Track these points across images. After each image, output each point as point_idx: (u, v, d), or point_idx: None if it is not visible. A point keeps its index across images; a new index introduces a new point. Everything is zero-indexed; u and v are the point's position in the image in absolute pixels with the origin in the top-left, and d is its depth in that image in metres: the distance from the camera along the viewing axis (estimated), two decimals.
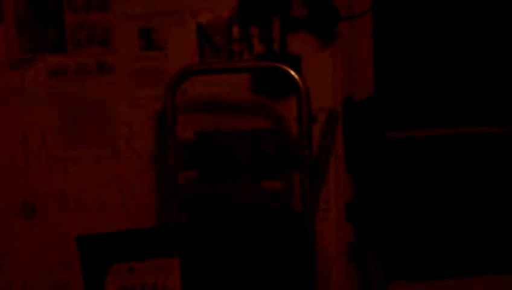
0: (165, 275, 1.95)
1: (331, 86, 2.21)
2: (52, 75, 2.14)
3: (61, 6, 2.12)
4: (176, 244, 2.04)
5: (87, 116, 2.17)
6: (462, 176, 2.51)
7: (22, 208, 2.17)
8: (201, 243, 2.10)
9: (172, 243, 2.04)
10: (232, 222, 2.12)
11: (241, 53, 2.17)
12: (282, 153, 2.12)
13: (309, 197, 2.03)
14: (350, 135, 2.26)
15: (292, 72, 2.03)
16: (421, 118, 2.48)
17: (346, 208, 2.26)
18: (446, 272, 2.53)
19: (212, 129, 2.15)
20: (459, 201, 2.52)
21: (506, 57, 2.46)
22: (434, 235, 2.53)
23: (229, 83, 2.17)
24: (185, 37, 2.16)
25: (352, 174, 2.29)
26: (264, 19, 2.17)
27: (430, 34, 2.46)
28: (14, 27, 2.12)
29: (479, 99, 2.49)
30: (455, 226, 2.53)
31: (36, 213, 2.18)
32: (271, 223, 2.13)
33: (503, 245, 2.53)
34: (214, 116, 2.17)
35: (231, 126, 2.15)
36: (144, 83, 2.17)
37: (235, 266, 2.11)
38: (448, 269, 2.54)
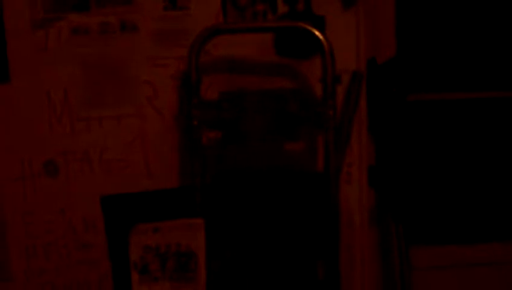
0: (189, 235, 1.96)
1: (354, 47, 2.20)
2: (75, 34, 2.14)
3: None
4: (201, 205, 2.04)
5: (109, 75, 2.16)
6: (484, 141, 2.50)
7: (45, 168, 2.18)
8: (225, 204, 2.10)
9: (197, 203, 2.04)
10: (256, 184, 2.12)
11: (265, 13, 2.16)
12: (306, 113, 2.10)
13: (333, 159, 2.03)
14: (373, 97, 2.25)
15: (316, 32, 2.02)
16: (443, 81, 2.47)
17: (368, 171, 2.25)
18: (466, 237, 2.53)
19: (236, 89, 2.13)
20: (479, 166, 2.51)
21: None
22: (454, 200, 2.53)
23: (253, 44, 2.16)
24: None
25: (374, 137, 2.28)
26: None
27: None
28: None
29: (503, 63, 2.47)
30: (475, 192, 2.53)
31: (59, 173, 2.18)
32: (294, 185, 2.13)
33: None
34: (238, 76, 2.17)
35: (255, 87, 2.14)
36: (167, 43, 2.16)
37: (258, 227, 2.11)
38: (469, 234, 2.54)
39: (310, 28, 2.02)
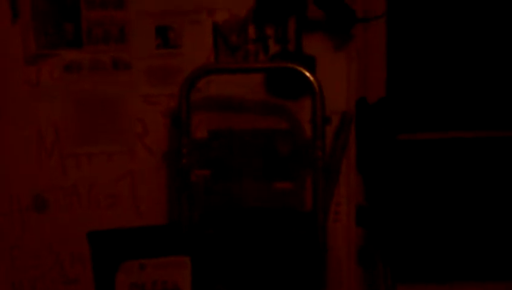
0: (176, 273, 1.96)
1: (345, 87, 2.21)
2: (68, 71, 2.15)
3: (78, 2, 2.13)
4: (188, 243, 2.04)
5: (101, 112, 2.17)
6: (474, 180, 2.51)
7: (34, 202, 2.18)
8: (212, 242, 2.10)
9: (184, 241, 2.04)
10: (244, 222, 2.12)
11: (257, 53, 2.17)
12: (295, 153, 2.11)
13: (321, 199, 2.04)
14: (362, 137, 2.26)
15: (307, 73, 2.03)
16: (432, 121, 2.48)
17: (356, 211, 2.26)
18: (455, 276, 2.53)
19: (225, 128, 2.14)
20: (470, 206, 2.52)
21: None
22: (443, 239, 2.53)
23: (243, 83, 2.17)
24: (200, 36, 2.16)
25: (363, 177, 2.29)
26: (280, 19, 2.17)
27: (443, 37, 2.46)
28: (30, 22, 2.13)
29: (491, 102, 2.49)
30: (465, 230, 2.53)
31: (48, 208, 2.19)
32: (282, 224, 2.13)
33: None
34: (228, 115, 2.18)
35: (245, 126, 2.16)
36: (158, 81, 2.17)
37: (245, 265, 2.11)
38: (457, 273, 2.53)
39: (300, 68, 2.04)
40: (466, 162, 2.49)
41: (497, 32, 2.45)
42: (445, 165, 2.49)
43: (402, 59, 2.42)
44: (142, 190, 2.19)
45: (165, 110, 2.17)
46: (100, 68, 2.16)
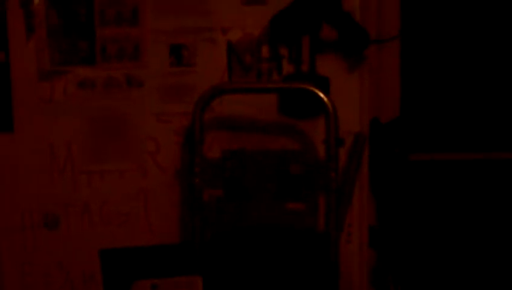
0: None
1: (358, 108, 2.21)
2: (81, 88, 2.15)
3: (92, 19, 2.13)
4: (200, 262, 2.04)
5: (114, 129, 2.18)
6: (487, 202, 2.50)
7: (45, 220, 2.18)
8: (224, 262, 2.09)
9: (196, 260, 2.04)
10: (256, 242, 2.12)
11: (270, 72, 2.17)
12: (308, 174, 2.11)
13: (334, 220, 2.03)
14: (375, 157, 2.25)
15: (321, 94, 2.03)
16: (446, 141, 2.48)
17: (368, 232, 2.25)
18: None
19: (239, 148, 2.14)
20: (483, 227, 2.51)
21: None
22: (456, 262, 2.52)
23: (257, 102, 2.17)
24: (214, 55, 2.16)
25: (375, 197, 2.28)
26: (294, 39, 2.17)
27: (456, 58, 2.46)
28: (45, 39, 2.14)
29: (506, 124, 2.48)
30: (478, 253, 2.52)
31: (59, 225, 2.18)
32: (295, 244, 2.13)
33: None
34: (241, 134, 2.18)
35: (258, 146, 2.16)
36: (171, 99, 2.17)
37: (257, 285, 2.10)
38: None
39: (314, 89, 2.03)
40: (478, 183, 2.48)
41: (508, 53, 2.45)
42: (458, 187, 2.48)
43: (415, 79, 2.42)
44: (154, 208, 2.19)
45: (177, 128, 2.17)
46: (114, 85, 2.16)
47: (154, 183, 2.18)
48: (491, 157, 2.48)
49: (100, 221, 2.18)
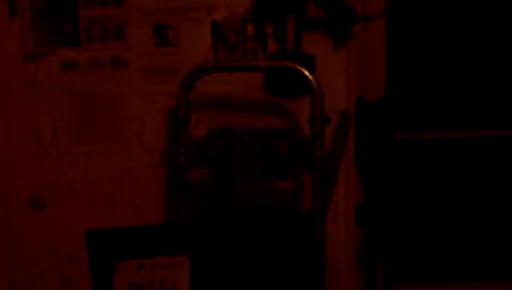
0: (174, 273, 1.94)
1: (344, 87, 2.20)
2: (65, 69, 2.14)
3: (76, 0, 2.11)
4: (186, 242, 2.04)
5: (99, 110, 2.17)
6: (473, 180, 2.50)
7: (32, 201, 2.17)
8: (210, 242, 2.10)
9: (182, 240, 2.04)
10: (242, 221, 2.12)
11: (255, 51, 2.16)
12: (293, 153, 2.11)
13: (320, 199, 2.03)
14: (361, 136, 2.25)
15: (306, 72, 2.02)
16: (432, 120, 2.47)
17: (355, 210, 2.25)
18: (454, 276, 2.53)
19: (224, 127, 2.14)
20: (469, 205, 2.51)
21: None
22: (443, 239, 2.52)
23: (242, 81, 2.16)
24: (199, 34, 2.15)
25: (362, 176, 2.28)
26: (279, 17, 2.16)
27: (442, 36, 2.45)
28: (28, 20, 2.12)
29: (492, 101, 2.48)
30: (464, 231, 2.53)
31: (45, 207, 2.18)
32: (281, 223, 2.13)
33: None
34: (227, 114, 2.17)
35: (243, 125, 2.15)
36: (157, 79, 2.16)
37: (244, 265, 2.10)
38: (457, 273, 2.53)
39: (299, 67, 2.03)
40: (465, 161, 2.48)
41: (496, 30, 2.44)
42: (445, 165, 2.48)
43: (401, 58, 2.41)
44: (140, 188, 2.19)
45: (163, 108, 2.16)
46: (98, 66, 2.15)
47: (139, 164, 2.18)
48: (478, 135, 2.48)
49: (86, 202, 2.18)
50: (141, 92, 2.16)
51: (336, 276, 2.26)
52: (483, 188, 2.51)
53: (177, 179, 2.05)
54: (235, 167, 2.12)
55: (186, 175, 2.03)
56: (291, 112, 2.18)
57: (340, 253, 2.27)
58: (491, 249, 2.54)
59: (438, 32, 2.44)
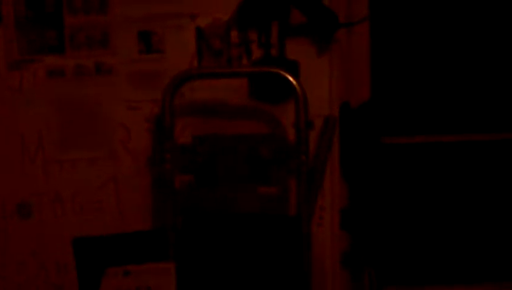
0: (160, 279, 1.95)
1: (328, 92, 2.21)
2: (51, 76, 2.15)
3: (60, 8, 2.12)
4: (172, 249, 2.04)
5: (84, 117, 2.17)
6: (458, 184, 2.52)
7: (18, 209, 2.17)
8: (197, 248, 2.10)
9: (168, 247, 2.04)
10: (228, 227, 2.12)
11: (240, 57, 2.18)
12: (278, 158, 2.12)
13: (305, 203, 2.04)
14: (346, 141, 2.27)
15: (290, 78, 2.03)
16: (417, 125, 2.49)
17: (340, 215, 2.26)
18: (442, 278, 2.54)
19: (210, 133, 2.15)
20: (454, 209, 2.53)
21: (506, 61, 2.47)
22: (428, 243, 2.54)
23: (227, 87, 2.17)
24: (183, 41, 2.16)
25: (347, 181, 2.29)
26: (263, 24, 2.17)
27: (426, 40, 2.47)
28: (13, 28, 2.12)
29: (475, 105, 2.50)
30: (451, 233, 2.54)
31: (32, 214, 2.18)
32: (266, 228, 2.13)
33: (498, 254, 2.54)
34: (212, 120, 2.18)
35: (229, 130, 2.16)
36: (141, 86, 2.17)
37: (230, 271, 2.11)
38: (444, 275, 2.54)
39: (283, 73, 2.04)
40: (449, 165, 2.50)
41: (481, 34, 2.46)
42: (429, 169, 2.50)
43: (385, 63, 2.42)
44: (126, 195, 2.19)
45: (148, 115, 2.17)
46: (83, 73, 2.16)
47: (125, 170, 2.19)
48: (462, 139, 2.50)
49: (72, 209, 2.18)
50: (126, 98, 2.17)
51: (322, 280, 2.27)
52: (467, 191, 2.52)
53: (162, 185, 2.05)
54: (221, 172, 2.13)
55: (171, 181, 2.04)
56: (276, 117, 2.19)
57: (325, 257, 2.28)
58: (478, 251, 2.56)
59: (422, 35, 2.46)
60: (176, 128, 2.08)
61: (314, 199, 2.14)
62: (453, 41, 2.46)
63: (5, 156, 2.16)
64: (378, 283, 2.28)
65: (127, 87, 2.16)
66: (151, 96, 2.15)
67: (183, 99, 2.14)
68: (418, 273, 2.56)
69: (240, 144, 2.13)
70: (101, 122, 2.16)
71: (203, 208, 2.16)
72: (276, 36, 2.18)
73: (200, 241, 2.11)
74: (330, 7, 2.15)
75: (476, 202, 2.52)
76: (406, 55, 2.46)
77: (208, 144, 2.12)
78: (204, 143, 2.13)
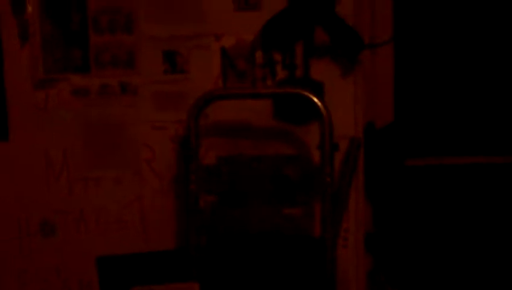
0: None
1: (352, 112, 2.21)
2: (76, 95, 2.16)
3: (86, 27, 2.13)
4: (196, 268, 2.04)
5: (109, 136, 2.18)
6: (483, 206, 2.50)
7: (42, 227, 2.18)
8: (221, 268, 2.10)
9: (192, 266, 2.04)
10: (252, 248, 2.12)
11: (264, 78, 2.18)
12: (303, 179, 2.12)
13: (330, 225, 2.04)
14: (370, 162, 2.26)
15: (315, 99, 2.03)
16: (441, 146, 2.48)
17: (365, 237, 2.25)
18: None
19: (234, 154, 2.15)
20: (478, 232, 2.51)
21: None
22: (452, 267, 2.52)
23: (251, 108, 2.17)
24: (208, 61, 2.17)
25: (372, 202, 2.29)
26: (287, 44, 2.17)
27: (449, 62, 2.46)
28: (39, 47, 2.14)
29: (500, 128, 2.48)
30: (474, 257, 2.52)
31: (56, 232, 2.18)
32: (291, 249, 2.13)
33: None
34: (236, 140, 2.18)
35: (253, 151, 2.16)
36: (166, 106, 2.17)
37: None
38: None
39: (308, 94, 2.04)
40: (474, 187, 2.48)
41: (503, 56, 2.45)
42: (454, 191, 2.49)
43: (410, 84, 2.42)
44: (150, 214, 2.19)
45: (173, 135, 2.17)
46: (108, 93, 2.17)
47: (150, 190, 2.19)
48: (487, 161, 2.49)
49: (96, 228, 2.19)
50: (151, 118, 2.18)
51: None
52: (493, 214, 2.51)
53: (187, 206, 2.06)
54: (245, 193, 2.13)
55: (196, 202, 2.04)
56: (301, 138, 2.19)
57: (350, 279, 2.27)
58: (503, 275, 2.54)
59: (445, 57, 2.46)
60: (200, 148, 2.08)
61: (339, 221, 2.14)
62: (477, 63, 2.46)
63: (29, 174, 2.16)
64: None
65: (152, 107, 2.17)
66: (176, 116, 2.15)
67: (208, 119, 2.14)
68: None
69: (264, 165, 2.13)
70: (126, 142, 2.17)
71: (227, 228, 2.15)
72: (300, 56, 2.17)
73: (224, 261, 2.11)
74: (355, 28, 2.15)
75: (504, 225, 2.50)
76: (429, 77, 2.46)
77: (233, 165, 2.12)
78: (228, 164, 2.13)
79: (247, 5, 2.16)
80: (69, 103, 2.16)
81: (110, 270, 2.17)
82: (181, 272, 2.06)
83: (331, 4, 2.13)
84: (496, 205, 2.50)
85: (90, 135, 2.17)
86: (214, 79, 2.16)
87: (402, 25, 2.34)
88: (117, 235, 2.20)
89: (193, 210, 2.05)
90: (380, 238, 2.27)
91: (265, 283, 2.11)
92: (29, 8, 2.13)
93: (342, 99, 2.19)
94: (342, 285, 2.20)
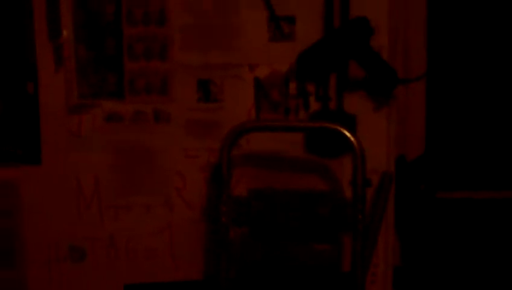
0: None
1: (385, 146, 2.20)
2: (109, 121, 2.16)
3: (121, 52, 2.14)
4: None
5: (141, 163, 2.18)
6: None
7: (71, 253, 2.19)
8: None
9: None
10: (281, 281, 2.12)
11: (297, 109, 2.17)
12: (334, 216, 2.11)
13: (360, 261, 2.02)
14: (401, 194, 2.25)
15: (348, 133, 2.02)
16: (473, 179, 2.47)
17: (393, 272, 2.24)
18: None
19: (265, 187, 2.14)
20: (509, 267, 2.49)
21: None
22: None
23: (283, 139, 2.17)
24: (242, 91, 2.17)
25: (401, 236, 2.28)
26: (321, 76, 2.17)
27: (480, 97, 2.45)
28: (73, 72, 2.14)
29: None
30: None
31: (85, 258, 2.19)
32: (320, 283, 2.12)
33: None
34: (267, 172, 2.18)
35: (284, 184, 2.16)
36: (199, 134, 2.18)
37: None
38: None
39: (341, 129, 2.03)
40: (505, 222, 2.46)
41: None
42: (486, 225, 2.47)
43: (441, 117, 2.41)
44: (180, 243, 2.20)
45: (204, 164, 2.18)
46: (141, 120, 2.17)
47: (180, 218, 2.19)
48: None
49: (126, 255, 2.19)
50: (183, 146, 2.18)
51: None
52: None
53: (217, 237, 2.06)
54: (276, 226, 2.13)
55: (227, 234, 2.04)
56: (332, 172, 2.18)
57: None
58: None
59: (477, 92, 2.44)
60: (231, 179, 2.08)
61: (369, 256, 2.13)
62: (507, 98, 2.44)
63: (60, 200, 2.17)
64: None
65: (185, 136, 2.17)
66: (208, 145, 2.16)
67: (240, 150, 2.14)
68: None
69: (295, 200, 2.13)
70: (158, 169, 2.17)
71: (257, 260, 2.15)
72: (334, 88, 2.17)
73: None
74: (388, 62, 2.14)
75: None
76: (461, 110, 2.45)
77: (263, 198, 2.12)
78: (259, 197, 2.12)
79: (282, 36, 2.16)
80: (102, 128, 2.17)
81: None
82: None
83: (367, 37, 2.12)
84: None
85: (122, 161, 2.18)
86: (247, 109, 2.17)
87: (435, 59, 2.33)
88: (146, 263, 2.20)
89: (223, 242, 2.04)
90: (409, 273, 2.26)
91: None
92: (65, 33, 2.13)
93: (374, 133, 2.19)
94: None
